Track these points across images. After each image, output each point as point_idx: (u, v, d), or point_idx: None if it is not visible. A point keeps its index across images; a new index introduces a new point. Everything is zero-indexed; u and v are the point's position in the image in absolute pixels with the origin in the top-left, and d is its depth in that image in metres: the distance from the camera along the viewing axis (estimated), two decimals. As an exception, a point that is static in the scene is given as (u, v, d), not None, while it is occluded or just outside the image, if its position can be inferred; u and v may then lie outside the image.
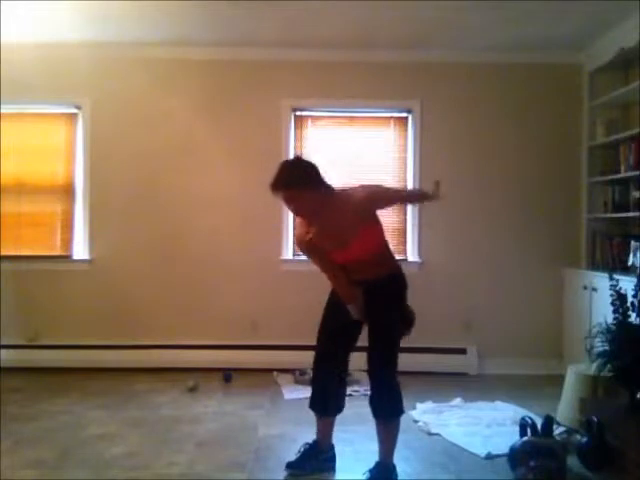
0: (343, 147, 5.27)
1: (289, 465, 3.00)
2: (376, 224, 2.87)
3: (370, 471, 2.88)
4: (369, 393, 2.94)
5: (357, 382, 4.33)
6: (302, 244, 2.91)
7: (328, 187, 2.82)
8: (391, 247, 3.03)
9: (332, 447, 3.11)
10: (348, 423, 3.27)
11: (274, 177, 2.73)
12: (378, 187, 2.92)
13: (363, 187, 2.85)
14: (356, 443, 3.32)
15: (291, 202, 2.76)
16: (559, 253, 5.18)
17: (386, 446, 2.91)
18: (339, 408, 3.07)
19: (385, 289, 2.88)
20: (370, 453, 2.96)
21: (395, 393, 2.90)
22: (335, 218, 2.77)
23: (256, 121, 5.23)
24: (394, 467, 2.91)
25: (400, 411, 2.93)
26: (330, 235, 2.80)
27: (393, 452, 2.92)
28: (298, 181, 2.72)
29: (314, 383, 3.08)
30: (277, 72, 5.23)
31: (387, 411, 2.91)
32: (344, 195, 2.81)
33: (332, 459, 3.10)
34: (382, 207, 2.95)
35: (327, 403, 3.06)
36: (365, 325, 2.94)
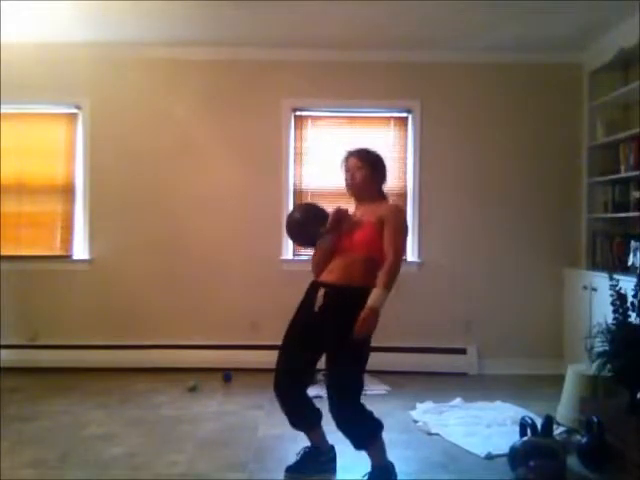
0: (343, 147, 5.23)
1: (289, 469, 2.99)
2: (379, 233, 2.84)
3: (370, 473, 2.86)
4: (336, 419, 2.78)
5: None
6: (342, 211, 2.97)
7: (383, 191, 3.09)
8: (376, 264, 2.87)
9: (332, 448, 3.10)
10: (348, 423, 3.27)
11: (358, 148, 3.10)
12: (402, 230, 2.89)
13: (399, 215, 2.94)
14: (356, 443, 3.32)
15: (356, 170, 3.00)
16: (559, 253, 5.18)
17: (375, 458, 2.85)
18: (319, 416, 3.00)
19: (343, 302, 2.78)
20: (370, 453, 2.96)
21: (361, 422, 2.78)
22: (366, 210, 2.97)
23: (256, 121, 5.23)
24: (393, 467, 2.90)
25: (376, 430, 2.82)
26: (354, 220, 2.96)
27: (384, 457, 2.87)
28: (375, 163, 3.04)
29: (283, 407, 2.95)
30: (277, 72, 5.22)
31: (361, 441, 2.82)
32: (385, 204, 3.02)
33: (333, 460, 3.09)
34: (386, 234, 2.83)
35: (306, 417, 3.01)
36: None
